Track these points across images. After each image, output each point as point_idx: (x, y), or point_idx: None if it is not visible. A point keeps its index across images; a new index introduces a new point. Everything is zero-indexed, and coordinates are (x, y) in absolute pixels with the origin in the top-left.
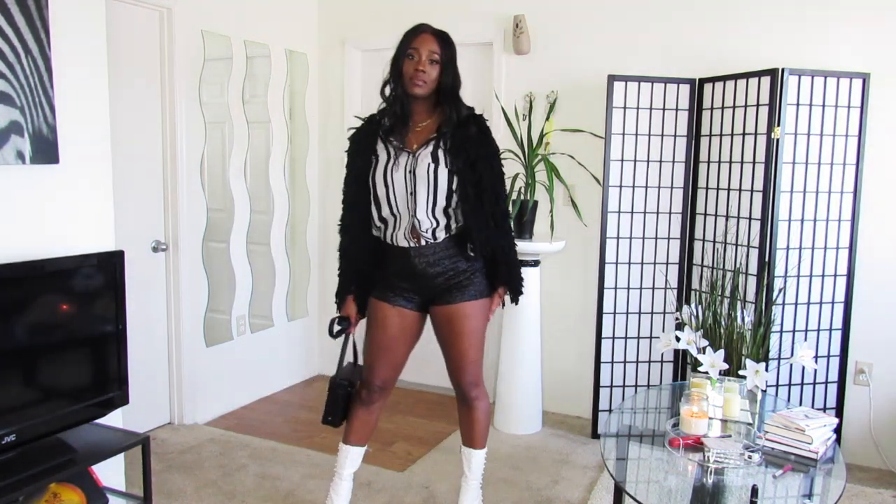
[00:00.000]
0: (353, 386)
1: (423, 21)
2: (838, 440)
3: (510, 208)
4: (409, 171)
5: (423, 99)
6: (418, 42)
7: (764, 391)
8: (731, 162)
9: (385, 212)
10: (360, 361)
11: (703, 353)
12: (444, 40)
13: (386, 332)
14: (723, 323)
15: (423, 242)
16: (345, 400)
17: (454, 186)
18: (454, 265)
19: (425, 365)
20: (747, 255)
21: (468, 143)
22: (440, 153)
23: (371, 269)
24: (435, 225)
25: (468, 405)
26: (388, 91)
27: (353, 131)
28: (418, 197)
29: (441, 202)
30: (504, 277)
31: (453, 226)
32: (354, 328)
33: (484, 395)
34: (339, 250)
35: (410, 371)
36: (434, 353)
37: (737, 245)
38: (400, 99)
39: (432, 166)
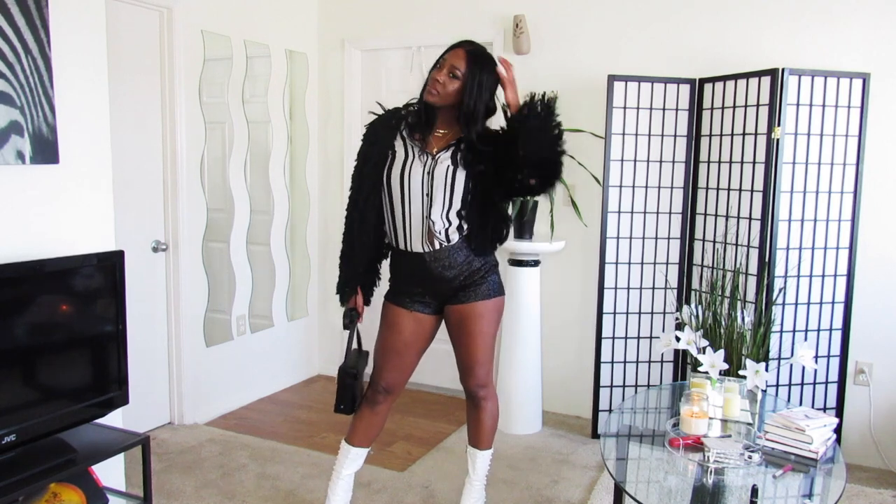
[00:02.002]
0: (360, 373)
1: (423, 21)
2: (838, 440)
3: (510, 209)
4: (428, 173)
5: (444, 109)
6: (450, 54)
7: (764, 391)
8: (731, 162)
9: (398, 213)
10: (366, 349)
11: (703, 353)
12: (474, 61)
13: (399, 337)
14: (723, 323)
15: (437, 246)
16: (352, 387)
17: (467, 191)
18: (469, 265)
19: (426, 365)
20: (747, 255)
21: (488, 152)
22: (459, 157)
23: (377, 257)
24: (448, 226)
25: (476, 405)
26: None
27: (372, 118)
28: (434, 199)
29: (456, 205)
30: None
31: (465, 226)
32: (361, 318)
33: (492, 396)
34: (345, 239)
35: None
36: (434, 354)
37: (737, 245)
38: (424, 103)
39: (451, 169)
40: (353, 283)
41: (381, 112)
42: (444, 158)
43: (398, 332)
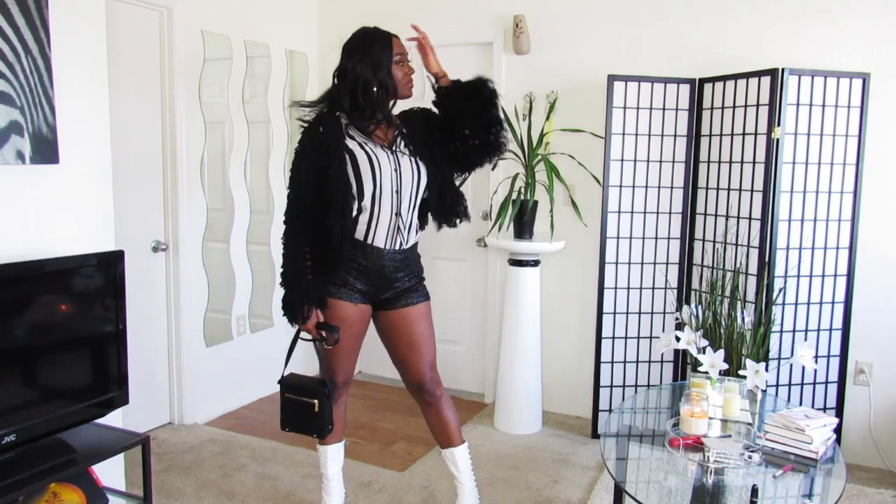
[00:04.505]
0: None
1: (423, 21)
2: (838, 440)
3: (510, 208)
4: (395, 170)
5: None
6: (400, 47)
7: (764, 391)
8: (731, 162)
9: (365, 212)
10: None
11: (703, 353)
12: None
13: (350, 331)
14: (723, 323)
15: (398, 246)
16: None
17: (429, 178)
18: (415, 270)
19: None
20: (747, 255)
21: (420, 132)
22: (410, 146)
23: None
24: (411, 223)
25: (434, 406)
26: (365, 95)
27: (307, 125)
28: (403, 194)
29: (420, 197)
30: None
31: (418, 227)
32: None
33: (444, 390)
34: (296, 253)
35: None
36: (437, 354)
37: (737, 245)
38: (384, 103)
39: (412, 160)
40: (324, 294)
41: (308, 119)
42: (402, 152)
43: (348, 326)
